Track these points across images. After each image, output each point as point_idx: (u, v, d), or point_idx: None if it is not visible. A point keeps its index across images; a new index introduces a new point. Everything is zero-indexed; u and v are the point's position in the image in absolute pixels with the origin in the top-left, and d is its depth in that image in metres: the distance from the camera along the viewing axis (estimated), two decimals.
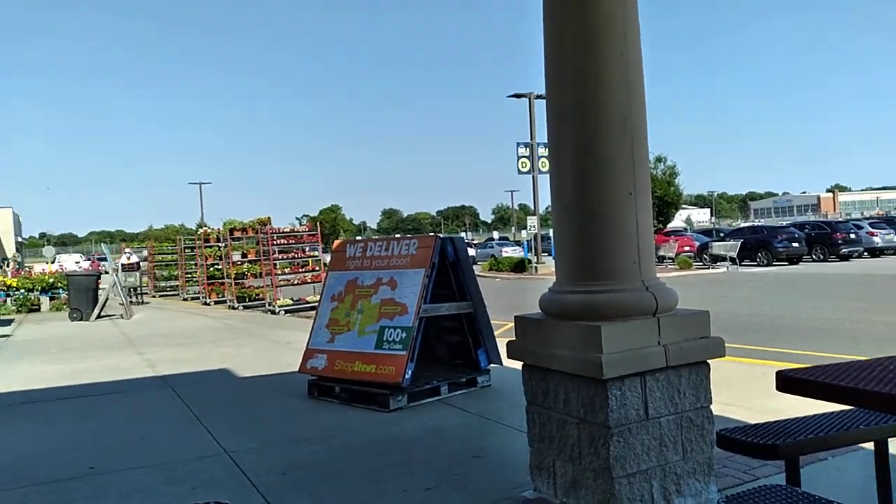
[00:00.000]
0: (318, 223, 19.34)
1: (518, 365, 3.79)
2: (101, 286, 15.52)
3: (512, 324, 11.02)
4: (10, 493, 3.91)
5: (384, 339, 5.68)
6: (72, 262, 31.99)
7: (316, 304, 16.31)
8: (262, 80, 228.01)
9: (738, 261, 25.31)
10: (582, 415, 3.22)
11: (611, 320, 3.17)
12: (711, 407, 3.37)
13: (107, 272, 15.37)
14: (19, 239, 61.72)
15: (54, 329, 13.15)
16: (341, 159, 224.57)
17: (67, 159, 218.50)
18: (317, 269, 17.84)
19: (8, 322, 13.46)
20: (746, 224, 57.86)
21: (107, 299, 15.14)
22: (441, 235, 6.20)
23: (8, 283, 17.87)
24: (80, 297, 14.84)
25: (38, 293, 17.53)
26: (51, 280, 18.60)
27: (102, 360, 8.87)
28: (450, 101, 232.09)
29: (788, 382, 2.93)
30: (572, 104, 3.38)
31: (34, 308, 17.44)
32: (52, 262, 31.01)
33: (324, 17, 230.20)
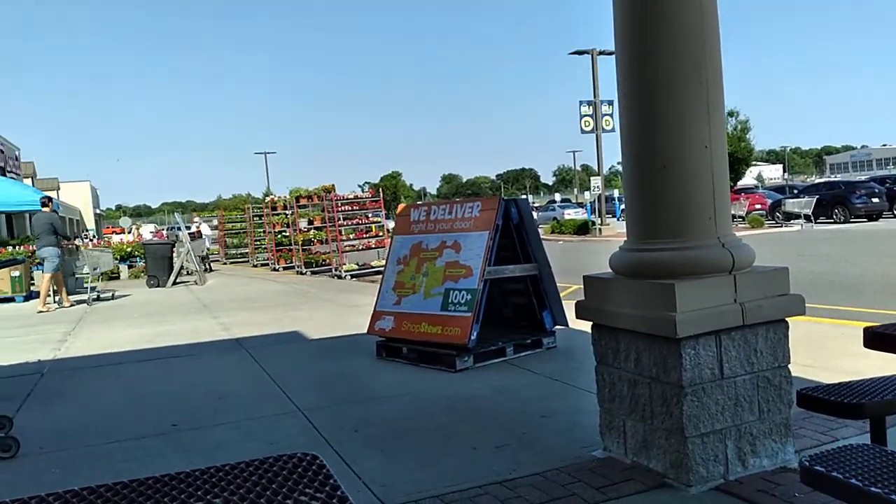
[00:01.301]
0: (380, 190, 19.48)
1: (584, 327, 3.75)
2: (175, 254, 16.12)
3: (576, 286, 10.96)
4: (100, 447, 4.15)
5: (449, 301, 5.72)
6: (146, 231, 33.34)
7: (380, 268, 16.69)
8: (323, 52, 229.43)
9: (812, 218, 24.25)
10: (654, 374, 3.17)
11: (685, 278, 3.09)
12: (790, 366, 3.26)
13: (181, 241, 15.91)
14: (97, 211, 64.64)
15: (133, 296, 13.80)
16: (401, 126, 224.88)
17: (140, 132, 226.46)
18: (380, 234, 18.05)
19: (92, 289, 14.17)
20: (822, 180, 55.19)
21: (181, 267, 15.74)
22: (504, 198, 6.14)
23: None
24: (157, 265, 15.48)
25: (117, 261, 18.35)
26: (129, 249, 19.45)
27: (180, 324, 9.27)
28: (507, 63, 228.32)
29: (876, 338, 2.80)
30: (642, 52, 3.25)
31: (114, 276, 18.29)
32: (129, 232, 32.42)
33: None
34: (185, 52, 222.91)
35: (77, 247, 13.21)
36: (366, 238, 17.86)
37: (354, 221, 17.95)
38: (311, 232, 18.62)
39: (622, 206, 45.18)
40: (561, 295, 6.40)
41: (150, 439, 4.24)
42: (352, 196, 18.93)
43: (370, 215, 18.46)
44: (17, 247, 17.05)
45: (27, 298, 13.68)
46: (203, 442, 4.15)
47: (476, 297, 5.53)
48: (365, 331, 6.51)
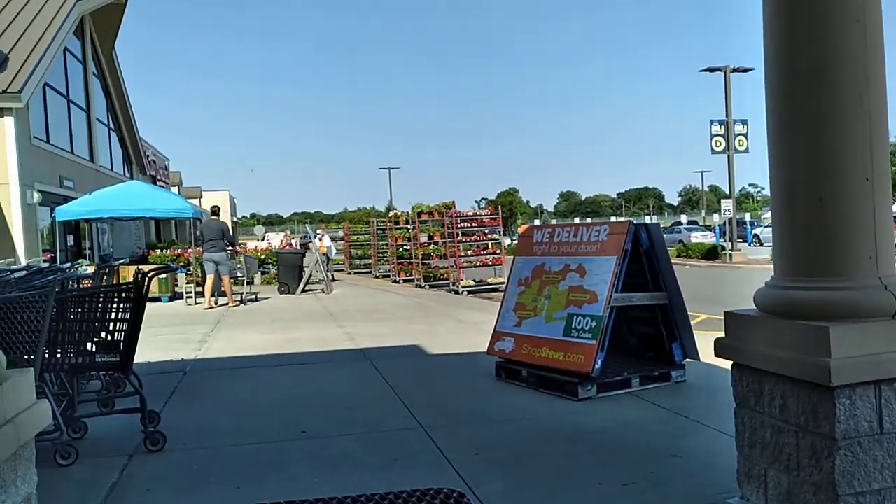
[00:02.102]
0: (498, 207, 19.56)
1: (715, 361, 3.54)
2: (305, 263, 16.94)
3: (705, 315, 10.42)
4: (237, 448, 4.40)
5: (572, 326, 5.60)
6: (278, 240, 35.26)
7: (496, 285, 16.77)
8: (439, 65, 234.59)
9: None
10: (802, 423, 2.93)
11: (840, 321, 2.85)
12: None
13: (311, 251, 16.73)
14: (234, 219, 69.18)
15: (266, 302, 14.59)
16: (519, 141, 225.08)
17: (273, 144, 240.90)
18: (497, 252, 18.12)
19: (221, 294, 15.18)
20: None
21: (310, 276, 16.51)
22: (634, 221, 5.96)
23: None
24: (288, 273, 16.34)
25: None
26: (262, 256, 20.63)
27: (309, 331, 9.69)
28: (631, 77, 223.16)
29: None
30: (797, 76, 3.04)
31: (248, 282, 19.45)
32: (262, 240, 34.41)
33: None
34: (317, 70, 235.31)
35: (237, 252, 14.45)
36: (483, 255, 17.97)
37: (472, 238, 18.12)
38: (431, 247, 19.02)
39: (754, 231, 42.75)
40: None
41: (281, 444, 4.44)
42: (471, 213, 19.21)
43: (487, 232, 18.58)
44: (163, 250, 18.61)
45: (172, 299, 14.86)
46: (330, 450, 4.28)
47: (601, 325, 5.39)
48: (483, 349, 6.51)
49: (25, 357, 4.04)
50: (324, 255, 17.03)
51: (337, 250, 29.88)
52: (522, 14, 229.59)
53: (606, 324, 5.42)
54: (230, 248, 13.96)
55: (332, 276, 20.95)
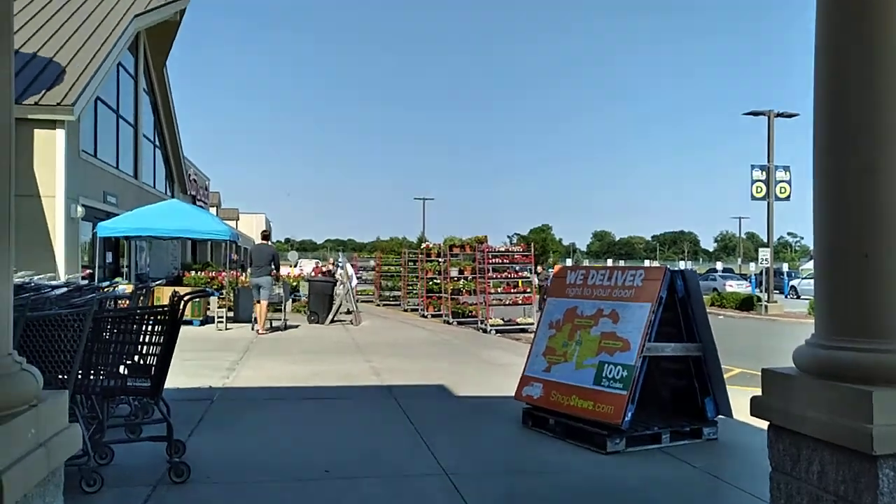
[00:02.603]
0: (531, 245, 19.48)
1: (749, 419, 3.44)
2: (336, 293, 17.02)
3: (738, 370, 10.18)
4: (261, 485, 4.38)
5: (603, 374, 5.50)
6: (310, 266, 35.58)
7: (525, 326, 16.63)
8: (476, 100, 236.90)
9: None
10: (842, 492, 2.82)
11: (885, 386, 2.76)
12: None
13: (342, 282, 16.81)
14: (269, 243, 69.93)
15: (295, 330, 14.67)
16: (554, 178, 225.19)
17: (312, 170, 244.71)
18: (528, 290, 18.01)
19: (256, 320, 15.31)
20: None
21: (339, 305, 16.57)
22: (670, 268, 5.88)
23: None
24: (318, 302, 16.41)
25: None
26: (294, 283, 20.77)
27: (335, 364, 9.70)
28: (668, 118, 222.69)
29: None
30: (847, 130, 3.00)
31: (277, 308, 19.64)
32: (295, 266, 34.75)
33: (539, 29, 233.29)
34: (356, 102, 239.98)
35: (278, 278, 14.75)
36: (513, 293, 17.86)
37: (504, 275, 18.05)
38: (461, 282, 18.98)
39: (791, 283, 41.83)
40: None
41: (305, 483, 4.41)
42: (503, 249, 19.13)
43: (518, 269, 18.49)
44: (198, 271, 18.87)
45: (203, 322, 15.00)
46: (354, 493, 4.24)
47: (633, 375, 5.28)
48: (510, 393, 6.43)
49: (59, 377, 4.10)
50: (331, 282, 17.16)
51: (368, 280, 29.95)
52: (559, 52, 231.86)
53: (638, 374, 5.31)
54: (275, 273, 14.25)
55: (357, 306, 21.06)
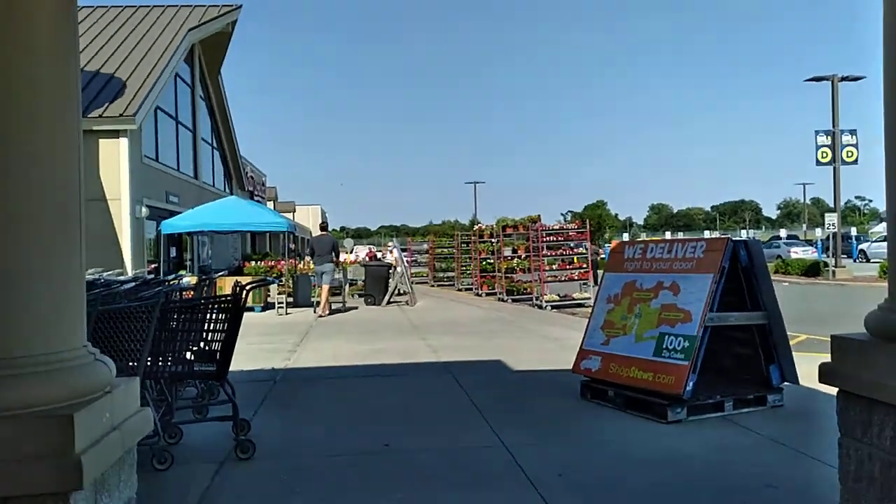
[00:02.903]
0: (586, 221, 19.21)
1: (816, 385, 3.32)
2: (391, 275, 17.23)
3: (804, 336, 9.89)
4: (322, 459, 4.50)
5: (664, 346, 5.42)
6: (364, 252, 36.08)
7: (582, 301, 16.48)
8: (534, 82, 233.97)
9: None
10: None
11: None
12: None
13: (396, 265, 17.07)
14: (322, 233, 71.14)
15: (353, 312, 14.93)
16: (608, 153, 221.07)
17: (365, 160, 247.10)
18: (584, 266, 17.79)
19: (317, 304, 15.66)
20: None
21: (395, 287, 16.78)
22: (733, 238, 5.72)
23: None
24: (375, 285, 16.67)
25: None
26: (350, 268, 21.11)
27: (394, 342, 9.83)
28: (724, 86, 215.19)
29: None
30: None
31: (336, 292, 20.01)
32: (350, 252, 35.31)
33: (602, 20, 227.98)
34: (408, 89, 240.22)
35: (338, 264, 15.35)
36: (569, 269, 17.68)
37: (558, 252, 17.87)
38: (515, 260, 18.90)
39: (860, 247, 40.11)
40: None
41: (365, 456, 4.50)
42: (557, 227, 18.94)
43: (574, 246, 18.26)
44: (258, 261, 19.34)
45: (264, 309, 15.42)
46: (412, 465, 4.31)
47: (694, 345, 5.18)
48: (568, 367, 6.40)
49: (130, 364, 4.29)
50: (386, 266, 17.50)
51: (422, 263, 30.20)
52: (613, 29, 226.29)
53: (700, 344, 5.21)
54: (336, 260, 15.01)
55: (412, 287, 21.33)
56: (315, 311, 14.43)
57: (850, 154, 25.12)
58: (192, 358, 4.67)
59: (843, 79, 25.38)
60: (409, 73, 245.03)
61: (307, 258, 20.60)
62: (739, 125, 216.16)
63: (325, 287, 14.24)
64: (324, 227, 16.13)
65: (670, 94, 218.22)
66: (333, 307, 14.79)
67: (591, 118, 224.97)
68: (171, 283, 6.75)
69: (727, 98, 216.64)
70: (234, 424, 4.56)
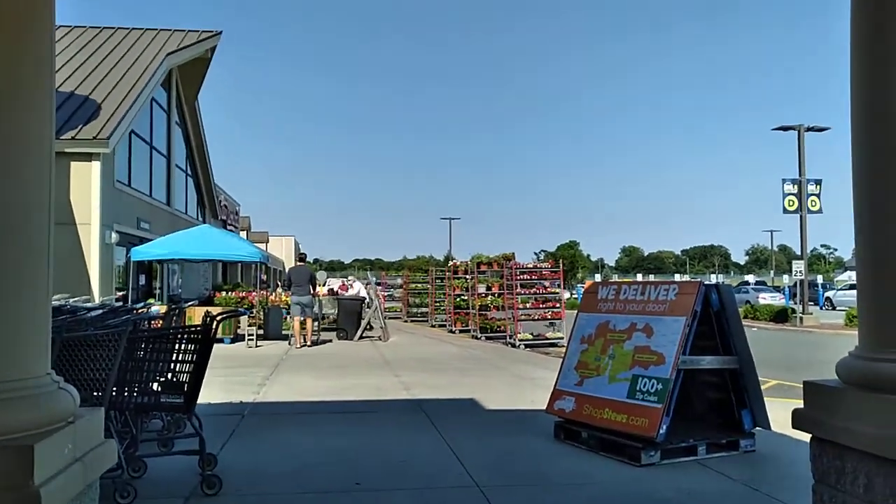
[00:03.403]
0: (559, 261, 19.36)
1: (787, 431, 3.34)
2: (364, 310, 17.09)
3: (774, 381, 9.99)
4: (290, 497, 4.37)
5: (637, 388, 5.41)
6: (336, 285, 35.86)
7: (554, 340, 16.49)
8: (501, 120, 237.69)
9: None
10: None
11: None
12: None
13: (371, 299, 16.96)
14: (298, 264, 70.46)
15: (325, 346, 14.73)
16: (579, 193, 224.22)
17: (339, 192, 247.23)
18: (556, 306, 17.86)
19: (287, 337, 15.43)
20: None
21: (368, 322, 16.63)
22: (705, 282, 5.79)
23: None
24: (347, 319, 16.50)
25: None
26: (323, 301, 20.90)
27: (365, 378, 9.69)
28: (697, 134, 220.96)
29: None
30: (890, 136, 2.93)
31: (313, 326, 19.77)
32: (324, 285, 35.00)
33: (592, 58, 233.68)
34: (381, 123, 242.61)
35: (315, 296, 15.26)
36: (542, 308, 17.72)
37: (532, 291, 17.93)
38: (489, 298, 18.90)
39: (826, 294, 40.93)
40: None
41: (335, 495, 4.39)
42: (531, 265, 19.08)
43: (548, 285, 18.34)
44: (229, 292, 19.08)
45: (234, 340, 15.16)
46: None
47: (668, 388, 5.19)
48: (541, 407, 6.35)
49: (94, 394, 4.15)
50: (360, 300, 17.40)
51: (396, 297, 30.05)
52: (583, 67, 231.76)
53: (673, 387, 5.22)
54: (314, 292, 15.08)
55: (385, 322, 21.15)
56: (290, 343, 14.36)
57: (813, 203, 25.77)
58: (159, 389, 4.54)
59: (810, 129, 26.12)
60: (385, 105, 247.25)
61: (279, 290, 20.41)
62: (710, 171, 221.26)
63: (308, 319, 14.43)
64: (301, 258, 16.34)
65: (643, 141, 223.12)
66: (306, 340, 14.57)
67: (567, 161, 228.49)
68: (140, 311, 6.61)
69: (699, 144, 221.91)
70: (201, 459, 4.42)
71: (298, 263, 15.78)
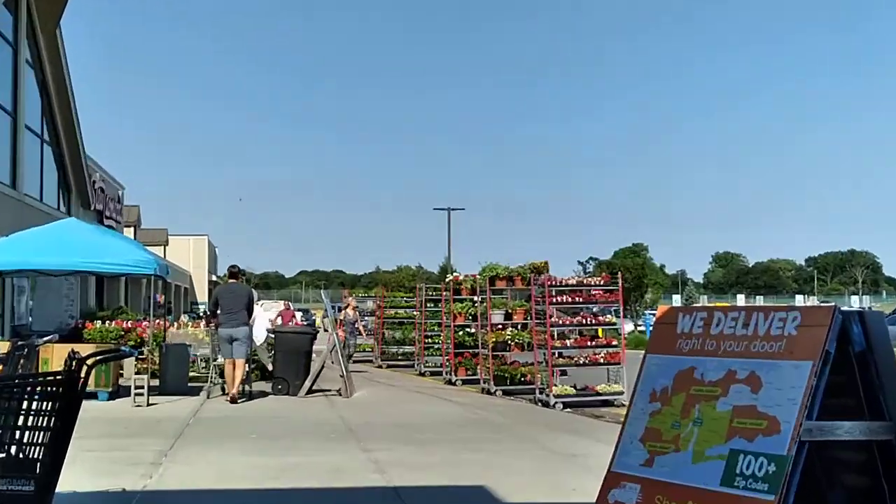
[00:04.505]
0: (617, 272, 19.32)
1: None
2: (315, 350, 17.12)
3: None
4: None
5: (737, 470, 5.43)
6: (275, 312, 35.93)
7: (611, 397, 16.54)
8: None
9: None
10: None
11: None
12: None
13: (325, 330, 16.98)
14: (213, 277, 70.32)
15: (255, 403, 14.79)
16: (646, 175, 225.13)
17: (275, 172, 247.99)
18: (614, 343, 17.88)
19: (197, 391, 15.45)
20: None
21: (321, 368, 16.64)
22: (843, 308, 5.80)
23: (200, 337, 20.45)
24: (288, 363, 16.45)
25: None
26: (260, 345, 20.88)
27: (316, 455, 9.71)
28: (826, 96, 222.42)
29: None
30: None
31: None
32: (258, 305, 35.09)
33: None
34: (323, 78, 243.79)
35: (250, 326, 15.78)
36: (591, 348, 17.73)
37: (576, 320, 17.94)
38: (509, 331, 18.89)
39: None
40: None
41: None
42: (573, 281, 18.86)
43: (598, 313, 18.30)
44: (107, 321, 19.09)
45: (112, 396, 15.12)
46: None
47: (785, 470, 5.19)
48: (589, 500, 6.36)
49: None
50: (309, 334, 17.52)
51: (366, 331, 29.98)
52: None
53: (793, 469, 5.23)
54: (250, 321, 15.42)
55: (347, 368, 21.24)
56: (206, 395, 14.86)
57: None
58: None
59: None
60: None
61: (184, 317, 20.42)
62: (849, 148, 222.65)
63: (240, 362, 14.72)
64: (235, 273, 16.48)
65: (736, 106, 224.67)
66: (231, 391, 14.65)
67: (627, 130, 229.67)
68: None
69: (831, 109, 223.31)
70: None
71: (230, 281, 16.23)
